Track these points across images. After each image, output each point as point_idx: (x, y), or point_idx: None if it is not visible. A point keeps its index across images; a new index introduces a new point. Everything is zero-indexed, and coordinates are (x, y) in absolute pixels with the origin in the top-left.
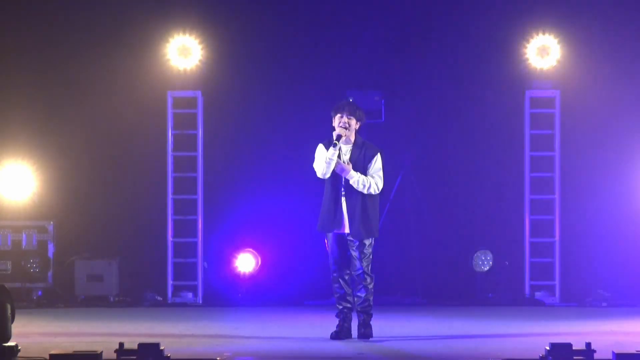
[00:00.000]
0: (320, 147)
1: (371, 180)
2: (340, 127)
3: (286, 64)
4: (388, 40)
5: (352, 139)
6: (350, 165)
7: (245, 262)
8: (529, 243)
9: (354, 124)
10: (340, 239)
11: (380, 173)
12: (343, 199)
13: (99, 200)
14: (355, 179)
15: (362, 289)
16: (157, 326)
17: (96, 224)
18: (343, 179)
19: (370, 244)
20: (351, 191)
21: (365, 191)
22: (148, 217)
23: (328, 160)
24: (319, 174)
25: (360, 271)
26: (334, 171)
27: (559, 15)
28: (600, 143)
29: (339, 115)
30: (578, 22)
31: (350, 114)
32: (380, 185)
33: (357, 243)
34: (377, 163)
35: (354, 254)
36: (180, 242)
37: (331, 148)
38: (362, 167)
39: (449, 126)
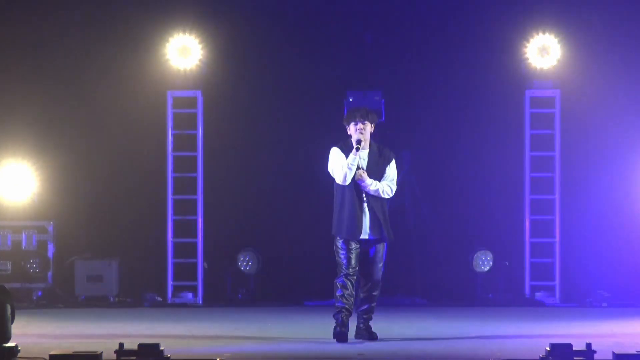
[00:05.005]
0: (336, 151)
1: (385, 186)
2: (357, 133)
3: (286, 63)
4: (388, 40)
5: (368, 144)
6: (366, 173)
7: None
8: (529, 243)
9: (369, 128)
10: (359, 243)
11: (395, 178)
12: (366, 205)
13: (99, 200)
14: (371, 184)
15: (371, 297)
16: (157, 326)
17: (96, 224)
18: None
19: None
20: (372, 197)
21: (381, 195)
22: (148, 217)
23: (349, 166)
24: (340, 181)
25: (377, 277)
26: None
27: (559, 15)
28: (600, 143)
29: (352, 123)
30: (578, 22)
31: (363, 117)
32: (394, 189)
33: (385, 247)
34: (392, 168)
35: (375, 258)
36: (180, 242)
37: (351, 154)
38: (379, 172)
39: (448, 126)
